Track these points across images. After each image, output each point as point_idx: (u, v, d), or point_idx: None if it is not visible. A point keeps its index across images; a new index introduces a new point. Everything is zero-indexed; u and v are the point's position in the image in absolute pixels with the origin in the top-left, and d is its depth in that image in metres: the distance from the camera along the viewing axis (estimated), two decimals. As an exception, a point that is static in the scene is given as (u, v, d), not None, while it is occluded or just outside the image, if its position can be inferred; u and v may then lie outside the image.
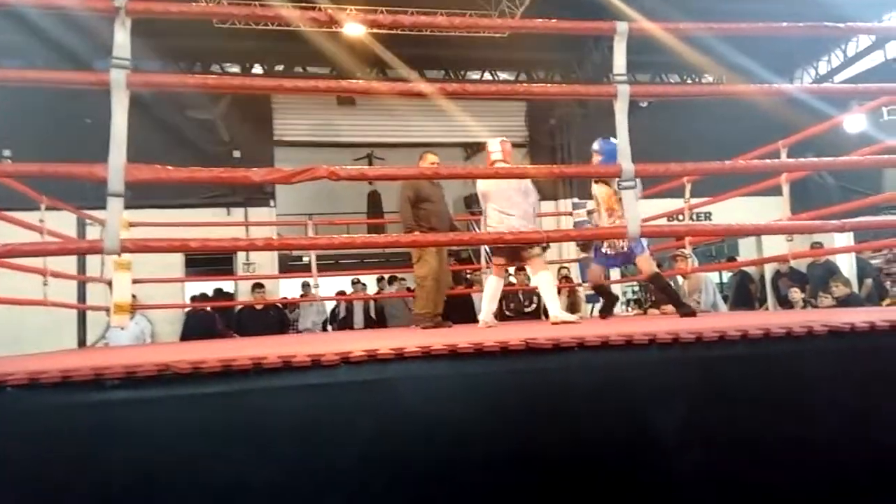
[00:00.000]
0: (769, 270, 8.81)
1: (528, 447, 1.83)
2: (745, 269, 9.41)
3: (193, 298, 9.41)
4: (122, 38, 2.49)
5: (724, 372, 1.99)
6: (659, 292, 4.65)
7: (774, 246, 8.91)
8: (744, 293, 9.06)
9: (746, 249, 11.90)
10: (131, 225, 5.66)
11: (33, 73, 3.50)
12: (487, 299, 4.48)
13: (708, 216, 10.13)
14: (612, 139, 4.46)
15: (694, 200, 6.01)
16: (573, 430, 1.86)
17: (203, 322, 7.53)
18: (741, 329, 2.00)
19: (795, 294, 7.48)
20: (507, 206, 4.31)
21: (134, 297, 6.34)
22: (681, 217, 6.40)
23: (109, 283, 5.87)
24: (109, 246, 2.27)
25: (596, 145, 4.69)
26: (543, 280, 4.40)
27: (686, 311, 4.49)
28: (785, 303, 7.79)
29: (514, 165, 4.41)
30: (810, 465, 1.95)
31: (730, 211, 8.26)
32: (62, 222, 5.44)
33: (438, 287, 5.07)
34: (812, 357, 2.04)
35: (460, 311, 8.49)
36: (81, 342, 5.94)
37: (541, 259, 4.44)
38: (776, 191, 5.16)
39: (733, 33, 3.37)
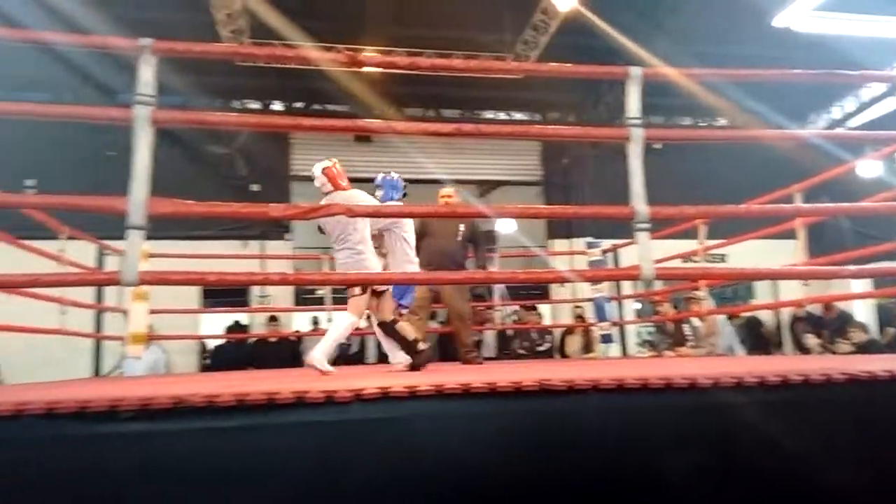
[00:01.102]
0: (786, 315, 8.73)
1: (542, 489, 1.82)
2: (753, 314, 9.32)
3: (230, 329, 9.51)
4: (146, 76, 2.57)
5: (742, 417, 1.97)
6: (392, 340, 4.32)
7: (791, 290, 8.84)
8: (755, 338, 8.97)
9: (762, 293, 11.80)
10: (150, 256, 5.73)
11: (59, 108, 3.59)
12: (333, 339, 4.07)
13: (723, 258, 10.08)
14: (391, 175, 4.52)
15: (708, 242, 6.00)
16: (586, 473, 1.85)
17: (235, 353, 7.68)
18: (759, 376, 1.99)
19: (811, 339, 7.40)
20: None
21: (150, 327, 6.38)
22: (695, 259, 6.38)
23: (126, 313, 5.92)
24: (128, 278, 2.31)
25: (378, 179, 4.57)
26: (340, 323, 4.10)
27: (417, 362, 4.06)
28: (802, 348, 7.70)
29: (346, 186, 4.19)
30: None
31: (745, 253, 8.24)
32: (82, 252, 5.51)
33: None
34: (831, 404, 2.01)
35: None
36: (97, 372, 5.97)
37: (355, 301, 4.08)
38: (792, 234, 5.15)
39: (747, 79, 3.41)
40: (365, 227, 4.09)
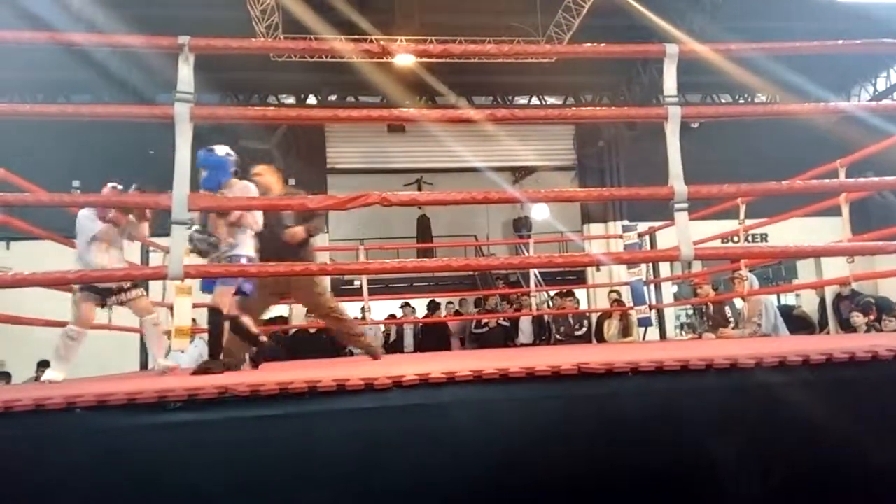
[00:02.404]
0: (830, 294, 8.50)
1: (581, 473, 1.81)
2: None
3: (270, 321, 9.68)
4: (185, 74, 2.61)
5: (786, 398, 1.93)
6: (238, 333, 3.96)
7: (835, 268, 8.61)
8: (788, 324, 8.72)
9: (805, 272, 11.53)
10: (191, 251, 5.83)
11: (104, 108, 3.68)
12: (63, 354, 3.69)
13: (764, 237, 9.87)
14: (215, 149, 3.60)
15: (749, 221, 5.88)
16: (625, 457, 1.84)
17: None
18: (802, 354, 1.95)
19: (857, 318, 7.20)
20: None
21: (194, 321, 6.52)
22: (736, 239, 6.25)
23: (171, 308, 6.06)
24: (174, 272, 2.36)
25: (199, 155, 3.51)
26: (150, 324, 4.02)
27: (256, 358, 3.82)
28: (847, 327, 7.50)
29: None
30: (871, 496, 1.87)
31: (787, 232, 8.05)
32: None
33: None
34: (878, 382, 1.97)
35: (503, 334, 8.50)
36: (143, 365, 6.13)
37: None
38: (835, 211, 5.01)
39: (787, 52, 3.32)
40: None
